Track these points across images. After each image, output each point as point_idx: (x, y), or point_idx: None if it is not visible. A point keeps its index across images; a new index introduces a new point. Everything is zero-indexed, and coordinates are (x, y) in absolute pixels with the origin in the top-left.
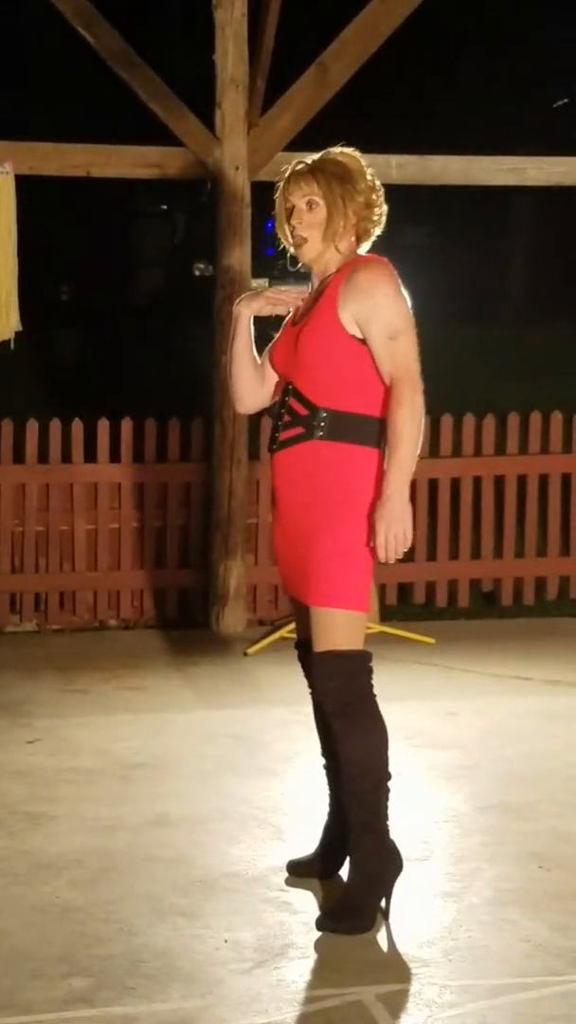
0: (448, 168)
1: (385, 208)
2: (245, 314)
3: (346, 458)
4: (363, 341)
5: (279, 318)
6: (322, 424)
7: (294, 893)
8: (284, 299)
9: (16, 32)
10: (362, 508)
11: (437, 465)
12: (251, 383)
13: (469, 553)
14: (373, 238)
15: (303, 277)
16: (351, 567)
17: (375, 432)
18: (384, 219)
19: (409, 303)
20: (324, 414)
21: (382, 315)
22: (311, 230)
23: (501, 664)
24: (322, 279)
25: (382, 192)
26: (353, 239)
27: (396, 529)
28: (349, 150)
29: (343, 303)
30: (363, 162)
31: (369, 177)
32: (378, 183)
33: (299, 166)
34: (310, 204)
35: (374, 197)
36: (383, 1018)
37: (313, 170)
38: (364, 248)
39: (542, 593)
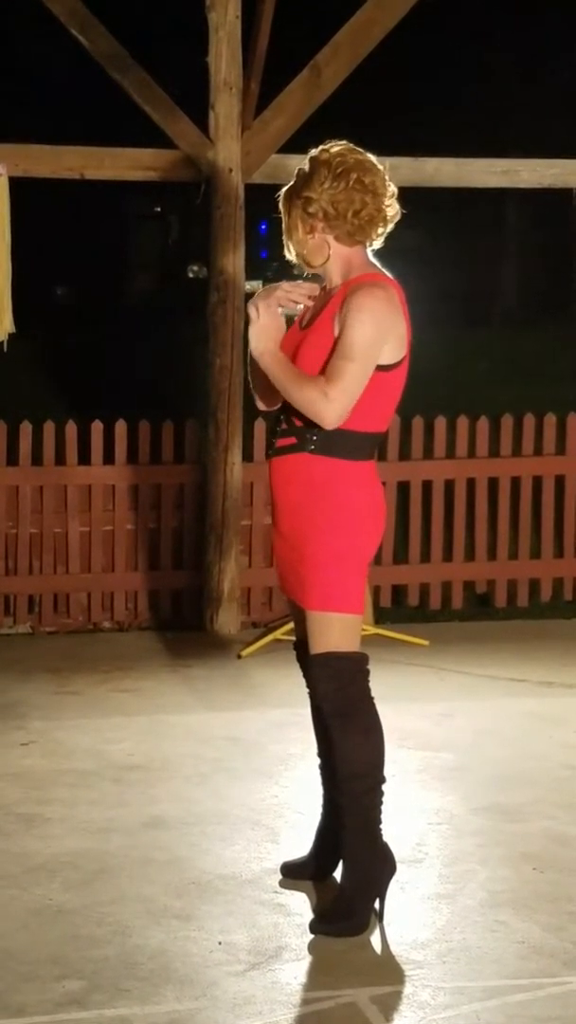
0: (441, 170)
1: (378, 193)
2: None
3: (336, 470)
4: None
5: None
6: (314, 439)
7: (288, 895)
8: (296, 297)
9: (9, 34)
10: (352, 515)
11: (431, 467)
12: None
13: (463, 555)
14: (379, 234)
15: (296, 279)
16: (344, 571)
17: (365, 445)
18: (380, 210)
19: (402, 329)
20: (317, 429)
21: (345, 334)
22: (289, 245)
23: (495, 666)
24: (328, 287)
25: (375, 182)
26: (347, 240)
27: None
28: (326, 146)
29: (338, 325)
30: (334, 154)
31: (339, 171)
32: (367, 177)
33: None
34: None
35: (338, 190)
36: (377, 1020)
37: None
38: (376, 246)
39: (536, 595)
